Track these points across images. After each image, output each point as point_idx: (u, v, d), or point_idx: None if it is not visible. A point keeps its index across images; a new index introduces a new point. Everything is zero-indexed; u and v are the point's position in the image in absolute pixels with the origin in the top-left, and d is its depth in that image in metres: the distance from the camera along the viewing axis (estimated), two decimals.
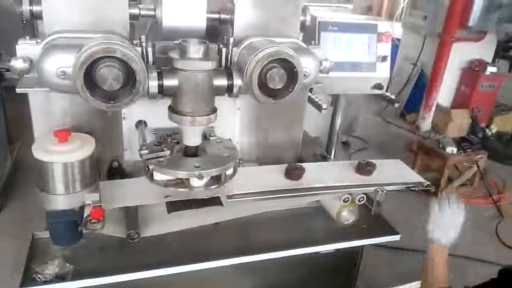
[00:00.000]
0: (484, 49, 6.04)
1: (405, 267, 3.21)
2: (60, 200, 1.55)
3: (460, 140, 4.58)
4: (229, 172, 1.72)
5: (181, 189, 1.64)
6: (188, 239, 1.78)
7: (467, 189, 4.64)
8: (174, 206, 1.80)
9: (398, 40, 6.89)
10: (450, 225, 1.74)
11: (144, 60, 1.49)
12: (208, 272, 1.73)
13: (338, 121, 2.57)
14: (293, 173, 1.88)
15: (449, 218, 1.74)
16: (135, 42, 1.57)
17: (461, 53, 5.85)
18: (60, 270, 1.56)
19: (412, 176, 2.05)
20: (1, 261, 2.96)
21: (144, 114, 1.84)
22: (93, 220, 1.50)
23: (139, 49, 1.53)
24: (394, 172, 2.03)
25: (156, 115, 1.77)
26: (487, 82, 5.92)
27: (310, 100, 2.25)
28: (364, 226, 1.97)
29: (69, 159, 1.50)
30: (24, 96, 1.65)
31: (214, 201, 1.83)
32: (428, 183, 1.96)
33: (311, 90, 2.16)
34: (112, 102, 1.39)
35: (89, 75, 1.35)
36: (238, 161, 1.76)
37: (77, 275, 1.56)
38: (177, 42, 1.54)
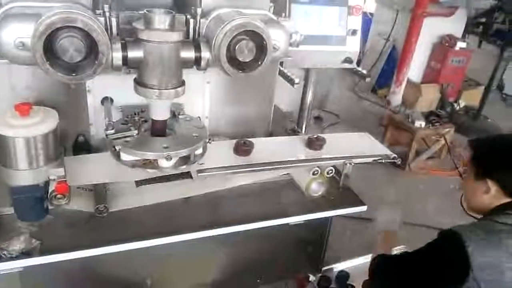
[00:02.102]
0: (455, 25, 6.13)
1: (373, 237, 3.32)
2: (24, 175, 1.52)
3: (428, 115, 4.69)
4: (198, 152, 1.71)
5: (150, 170, 1.63)
6: (157, 214, 1.77)
7: (434, 162, 4.79)
8: (143, 180, 1.79)
9: (372, 14, 6.90)
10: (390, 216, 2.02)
11: (107, 31, 1.44)
12: (179, 246, 1.74)
13: (310, 96, 2.57)
14: (241, 149, 1.88)
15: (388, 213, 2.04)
16: (98, 12, 1.50)
17: (432, 29, 5.92)
18: (26, 246, 1.53)
19: (380, 149, 2.10)
20: None
21: (110, 89, 1.79)
22: (58, 196, 1.48)
23: (102, 19, 1.47)
24: (362, 145, 2.07)
25: (123, 91, 1.72)
26: (456, 57, 6.04)
27: (283, 75, 2.24)
28: (332, 198, 2.02)
29: (31, 134, 1.46)
30: None
31: (183, 175, 1.82)
32: (395, 155, 2.02)
33: (282, 64, 2.15)
34: (74, 74, 1.34)
35: (50, 46, 1.29)
36: (207, 140, 1.75)
37: (44, 251, 1.54)
38: (142, 12, 1.49)
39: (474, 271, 1.30)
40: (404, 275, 1.55)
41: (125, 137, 1.59)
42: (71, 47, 1.29)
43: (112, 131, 1.58)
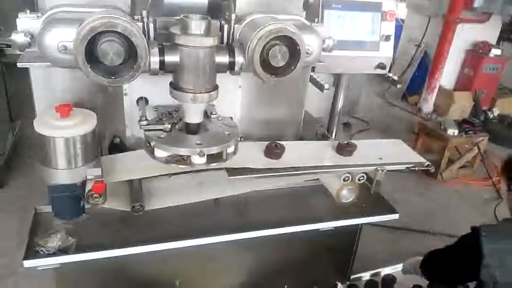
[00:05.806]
0: (489, 32, 5.98)
1: (402, 247, 3.26)
2: (62, 174, 1.56)
3: (461, 122, 4.57)
4: (230, 149, 1.73)
5: (182, 166, 1.65)
6: (188, 215, 1.80)
7: (467, 171, 4.66)
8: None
9: (403, 20, 6.81)
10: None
11: (145, 36, 1.48)
12: (209, 248, 1.76)
13: (340, 102, 2.56)
14: (272, 151, 1.88)
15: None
16: (136, 17, 1.55)
17: (466, 35, 5.80)
18: (62, 243, 1.58)
19: (413, 156, 2.06)
20: (6, 235, 3.00)
21: (146, 91, 1.83)
22: (95, 195, 1.52)
23: (140, 24, 1.51)
24: (394, 152, 2.04)
25: (158, 92, 1.77)
26: (490, 65, 5.89)
27: (313, 80, 2.23)
28: (363, 204, 1.99)
29: (71, 134, 1.50)
30: (25, 73, 1.64)
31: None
32: (428, 163, 1.97)
33: (313, 69, 2.15)
34: (113, 77, 1.38)
35: (91, 50, 1.34)
36: (239, 138, 1.76)
37: (79, 249, 1.59)
38: (179, 17, 1.52)
39: (486, 258, 1.40)
40: (438, 266, 1.77)
41: (158, 129, 1.62)
42: (111, 51, 1.33)
43: (146, 122, 1.61)
